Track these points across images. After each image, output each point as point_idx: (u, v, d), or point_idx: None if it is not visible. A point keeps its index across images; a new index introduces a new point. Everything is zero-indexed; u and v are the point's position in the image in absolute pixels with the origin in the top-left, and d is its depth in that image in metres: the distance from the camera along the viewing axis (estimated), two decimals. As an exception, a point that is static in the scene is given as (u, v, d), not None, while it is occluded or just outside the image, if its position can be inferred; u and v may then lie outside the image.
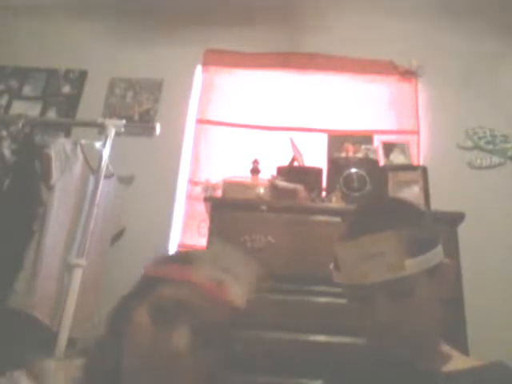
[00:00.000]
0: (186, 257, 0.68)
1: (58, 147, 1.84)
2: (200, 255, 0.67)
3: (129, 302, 0.68)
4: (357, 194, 1.86)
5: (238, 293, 0.65)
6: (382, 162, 2.16)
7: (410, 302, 0.74)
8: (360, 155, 2.08)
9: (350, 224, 0.85)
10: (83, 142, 1.92)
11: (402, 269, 0.72)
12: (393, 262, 0.72)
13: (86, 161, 1.95)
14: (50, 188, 1.78)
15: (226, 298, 0.63)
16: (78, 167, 1.90)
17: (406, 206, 0.87)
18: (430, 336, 0.77)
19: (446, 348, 0.79)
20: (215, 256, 0.66)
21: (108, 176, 1.97)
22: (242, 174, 2.04)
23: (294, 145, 2.13)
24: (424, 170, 1.94)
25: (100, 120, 1.86)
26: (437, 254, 0.77)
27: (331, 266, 0.85)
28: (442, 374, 0.73)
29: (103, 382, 0.63)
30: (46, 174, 1.77)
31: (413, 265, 0.73)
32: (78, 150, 1.92)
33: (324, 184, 1.99)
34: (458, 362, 0.75)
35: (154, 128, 1.99)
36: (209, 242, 1.71)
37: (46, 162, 1.77)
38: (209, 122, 2.50)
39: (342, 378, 0.85)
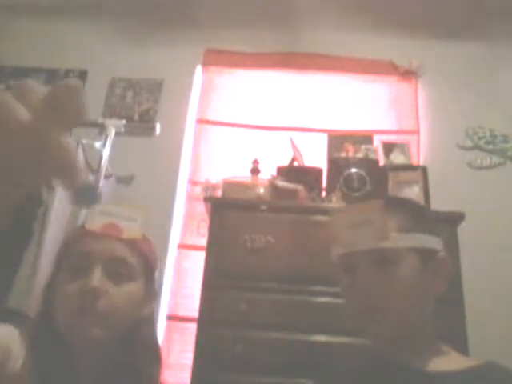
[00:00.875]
0: (89, 218, 0.78)
1: None
2: (91, 214, 0.78)
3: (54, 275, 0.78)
4: (357, 194, 1.86)
5: (129, 228, 0.76)
6: (382, 162, 2.16)
7: (389, 272, 0.75)
8: (360, 155, 2.08)
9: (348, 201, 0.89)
10: (84, 141, 1.92)
11: (386, 239, 0.73)
12: (378, 231, 0.74)
13: (86, 161, 1.95)
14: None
15: (120, 234, 0.75)
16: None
17: (405, 198, 0.90)
18: (412, 327, 0.76)
19: (441, 347, 0.79)
20: (104, 210, 0.77)
21: (107, 176, 1.97)
22: (242, 174, 2.04)
23: (293, 145, 2.13)
24: (424, 170, 1.94)
25: (100, 120, 1.86)
26: (430, 241, 0.78)
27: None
28: (435, 374, 0.73)
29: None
30: None
31: (398, 238, 0.75)
32: (80, 150, 1.92)
33: (324, 184, 1.99)
34: (452, 362, 0.75)
35: (153, 128, 1.99)
36: (208, 242, 1.71)
37: None
38: (209, 122, 2.50)
39: (333, 378, 0.85)
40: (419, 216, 0.81)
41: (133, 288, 0.76)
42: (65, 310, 0.72)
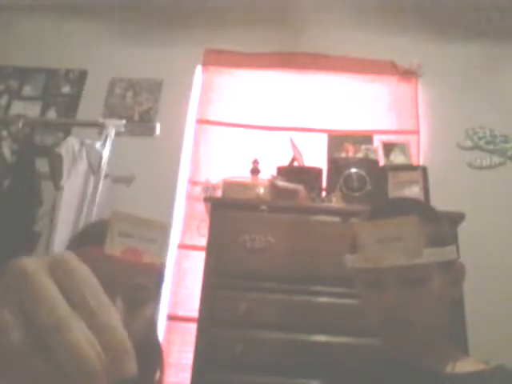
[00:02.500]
0: (91, 236, 0.72)
1: (68, 146, 1.83)
2: (103, 229, 0.69)
3: None
4: (357, 194, 1.86)
5: (149, 251, 0.69)
6: (382, 162, 2.16)
7: (419, 291, 0.74)
8: (360, 155, 2.08)
9: (373, 207, 0.87)
10: (87, 142, 1.92)
11: (419, 256, 0.71)
12: (410, 248, 0.71)
13: (89, 161, 1.95)
14: (59, 188, 1.77)
15: (140, 260, 0.68)
16: (83, 167, 1.89)
17: (426, 203, 0.89)
18: (435, 333, 0.77)
19: (452, 349, 0.79)
20: (123, 230, 0.69)
21: (106, 176, 1.98)
22: (242, 174, 2.04)
23: (294, 145, 2.13)
24: (424, 170, 1.94)
25: (100, 120, 1.87)
26: (452, 252, 0.78)
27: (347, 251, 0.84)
28: (445, 376, 0.73)
29: None
30: (57, 175, 1.76)
31: (430, 254, 0.74)
32: (83, 150, 1.92)
33: (324, 184, 1.99)
34: (462, 365, 0.75)
35: (153, 128, 2.00)
36: (208, 242, 1.71)
37: (58, 161, 1.76)
38: (209, 122, 2.50)
39: (339, 379, 0.85)
40: (443, 227, 0.81)
41: (149, 310, 0.75)
42: None
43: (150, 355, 0.77)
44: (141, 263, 0.68)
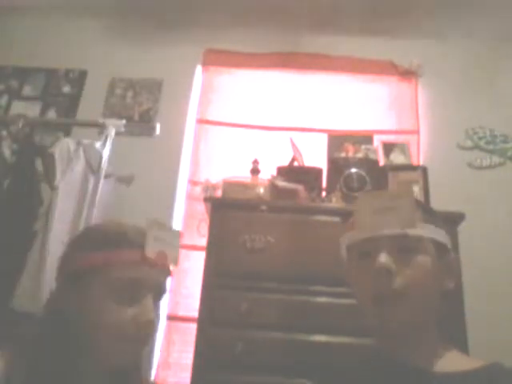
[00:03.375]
0: (126, 239, 0.77)
1: (62, 147, 1.84)
2: (138, 234, 0.77)
3: (72, 288, 0.74)
4: (357, 194, 1.86)
5: (173, 257, 0.78)
6: (382, 162, 2.16)
7: (410, 259, 0.75)
8: (360, 155, 2.08)
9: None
10: (85, 142, 1.92)
11: (413, 226, 0.75)
12: (404, 218, 0.75)
13: (87, 161, 1.95)
14: (54, 188, 1.77)
15: (168, 265, 0.78)
16: (79, 167, 1.89)
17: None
18: (422, 319, 0.76)
19: (447, 348, 0.78)
20: (156, 236, 0.78)
21: (107, 176, 1.97)
22: (242, 174, 2.04)
23: (294, 145, 2.13)
24: (424, 169, 1.94)
25: (100, 120, 1.87)
26: (445, 236, 0.81)
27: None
28: (440, 374, 0.72)
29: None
30: (50, 175, 1.76)
31: (423, 227, 0.77)
32: (80, 150, 1.92)
33: (324, 184, 1.99)
34: (457, 363, 0.75)
35: (153, 128, 2.00)
36: (208, 242, 1.71)
37: (50, 162, 1.77)
38: (209, 122, 2.50)
39: (333, 378, 0.85)
40: (435, 213, 0.85)
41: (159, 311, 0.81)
42: (112, 335, 0.71)
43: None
44: (167, 266, 0.78)
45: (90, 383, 0.74)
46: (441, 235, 0.80)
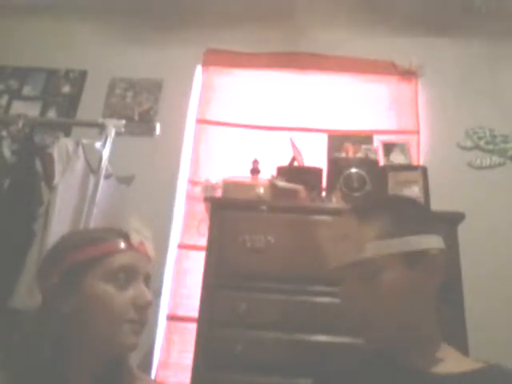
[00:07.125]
0: (114, 231, 0.86)
1: (61, 147, 1.84)
2: (114, 230, 0.86)
3: (73, 279, 0.78)
4: (357, 194, 1.86)
5: (150, 248, 0.88)
6: (382, 162, 2.16)
7: (375, 281, 0.74)
8: (360, 155, 2.08)
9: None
10: (85, 141, 1.92)
11: (362, 251, 0.74)
12: (354, 244, 0.75)
13: (87, 161, 1.95)
14: (53, 188, 1.77)
15: (150, 254, 0.87)
16: (79, 167, 1.89)
17: (392, 196, 0.92)
18: (409, 328, 0.75)
19: (445, 349, 0.78)
20: (136, 228, 0.87)
21: (107, 176, 1.97)
22: (242, 174, 2.04)
23: (293, 145, 2.13)
24: (424, 170, 1.94)
25: (100, 120, 1.86)
26: (415, 242, 0.75)
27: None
28: (439, 376, 0.72)
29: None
30: (49, 175, 1.76)
31: (375, 247, 0.74)
32: (80, 150, 1.91)
33: (324, 184, 1.99)
34: (456, 364, 0.74)
35: (153, 128, 2.00)
36: (208, 242, 1.71)
37: (49, 162, 1.77)
38: (209, 122, 2.50)
39: (331, 379, 0.85)
40: (403, 218, 0.78)
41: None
42: (111, 318, 0.77)
43: None
44: (149, 255, 0.87)
45: (83, 376, 0.77)
46: (406, 244, 0.75)
